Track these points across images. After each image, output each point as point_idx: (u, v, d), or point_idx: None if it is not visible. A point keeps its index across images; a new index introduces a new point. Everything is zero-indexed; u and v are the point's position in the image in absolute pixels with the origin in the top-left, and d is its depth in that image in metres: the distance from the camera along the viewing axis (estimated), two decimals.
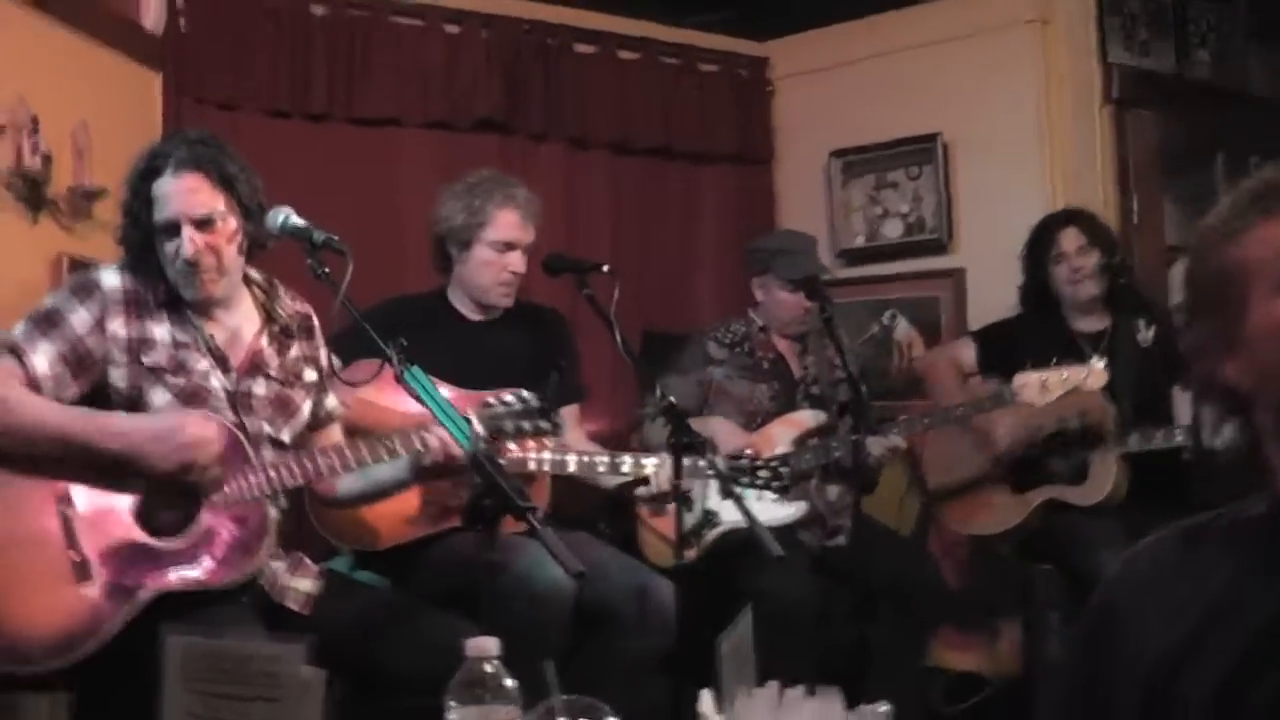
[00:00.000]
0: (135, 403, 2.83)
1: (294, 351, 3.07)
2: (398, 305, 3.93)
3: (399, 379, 2.62)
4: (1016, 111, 5.27)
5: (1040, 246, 4.45)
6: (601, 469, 3.74)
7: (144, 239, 2.87)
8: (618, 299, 3.24)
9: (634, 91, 5.60)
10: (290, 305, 3.11)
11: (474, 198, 3.90)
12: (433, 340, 3.72)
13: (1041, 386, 3.88)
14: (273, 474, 2.85)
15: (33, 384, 2.75)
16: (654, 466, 3.70)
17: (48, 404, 2.75)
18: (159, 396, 2.84)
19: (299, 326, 3.10)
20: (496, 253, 3.87)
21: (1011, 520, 4.35)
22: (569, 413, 3.95)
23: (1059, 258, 4.39)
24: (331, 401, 3.19)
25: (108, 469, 2.74)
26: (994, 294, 4.88)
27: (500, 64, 5.27)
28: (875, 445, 4.00)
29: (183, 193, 2.82)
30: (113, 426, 2.74)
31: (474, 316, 3.97)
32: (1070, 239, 4.39)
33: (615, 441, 4.38)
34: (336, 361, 3.13)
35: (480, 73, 5.22)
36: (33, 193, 3.76)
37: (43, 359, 2.77)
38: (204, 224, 2.84)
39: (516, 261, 3.88)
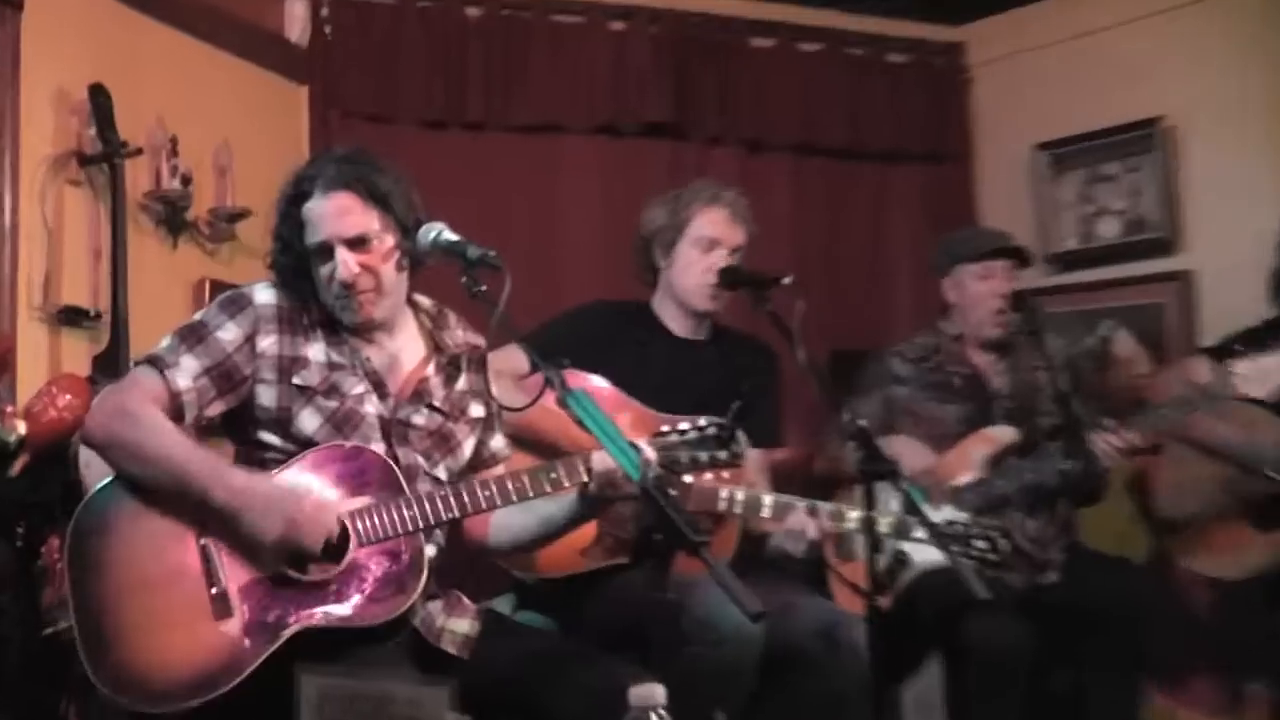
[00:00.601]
0: (284, 424, 2.85)
1: (461, 384, 3.07)
2: (596, 312, 3.97)
3: (561, 403, 2.60)
4: (1251, 89, 5.09)
5: None
6: (794, 514, 3.62)
7: (296, 264, 2.91)
8: (801, 314, 3.21)
9: (817, 87, 5.56)
10: (460, 336, 3.11)
11: (678, 199, 3.95)
12: (631, 351, 3.79)
13: None
14: (427, 506, 2.84)
15: (172, 399, 2.80)
16: (856, 520, 3.59)
17: (180, 438, 2.77)
18: (309, 419, 2.86)
19: (469, 359, 3.10)
20: (701, 251, 3.88)
21: (1258, 562, 4.15)
22: (757, 457, 3.90)
23: None
24: (498, 442, 3.17)
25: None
26: (1231, 300, 4.72)
27: (670, 62, 5.28)
28: (1103, 443, 3.90)
29: (333, 214, 2.86)
30: (231, 479, 2.75)
31: (679, 332, 3.98)
32: None
33: (803, 471, 4.33)
34: (506, 394, 3.13)
35: (648, 72, 5.24)
36: (172, 216, 3.88)
37: (185, 375, 2.81)
38: (358, 244, 2.86)
39: (724, 261, 3.87)
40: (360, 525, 2.77)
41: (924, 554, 3.39)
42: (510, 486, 2.89)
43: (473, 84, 4.98)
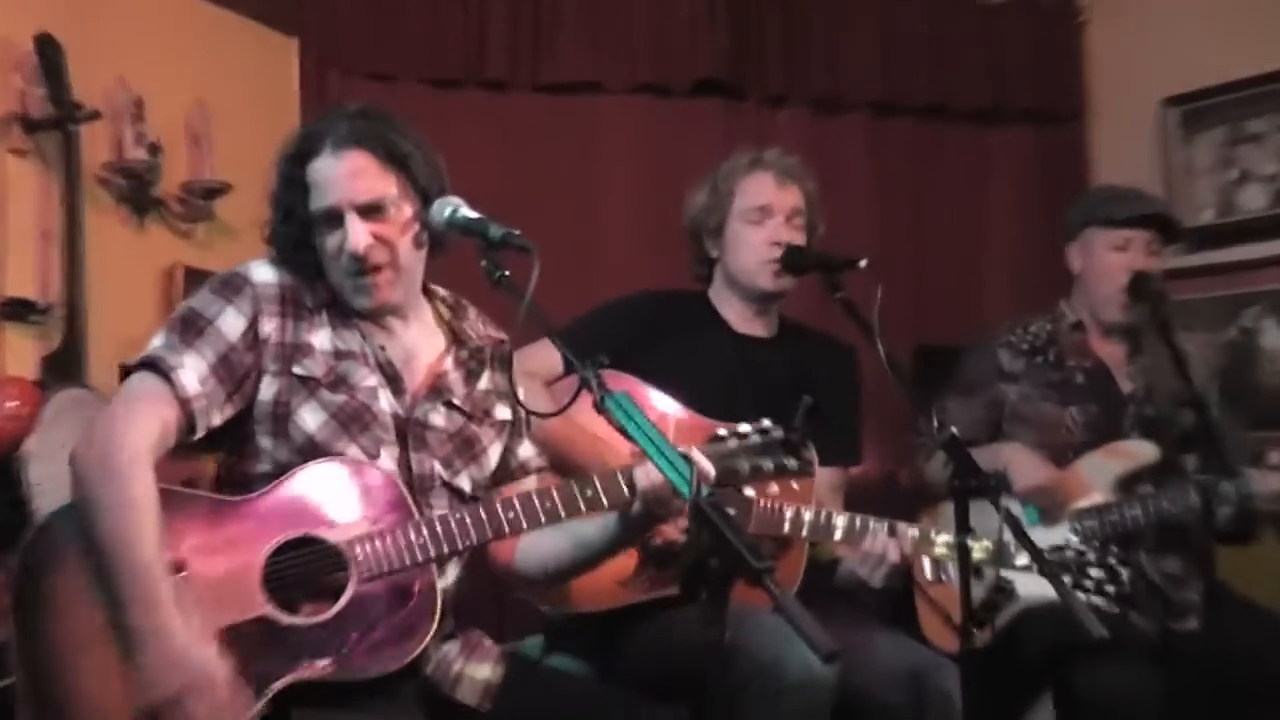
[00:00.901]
0: (280, 421, 2.85)
1: (484, 382, 3.10)
2: (642, 304, 3.99)
3: (599, 406, 2.58)
4: None
5: None
6: (871, 537, 3.63)
7: (299, 236, 2.92)
8: (881, 303, 3.18)
9: (900, 36, 5.56)
10: (482, 330, 3.15)
11: (716, 176, 4.00)
12: (684, 349, 3.82)
13: None
14: (440, 531, 2.82)
15: (183, 409, 2.78)
16: (946, 545, 3.61)
17: (155, 528, 2.67)
18: (310, 416, 2.86)
19: (492, 355, 3.13)
20: (753, 225, 3.91)
21: None
22: (830, 475, 3.91)
23: None
24: (527, 450, 3.19)
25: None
26: None
27: (726, 9, 5.28)
28: (1263, 483, 3.88)
29: (345, 175, 2.86)
30: (157, 613, 2.62)
31: (741, 327, 4.00)
32: None
33: (884, 487, 4.33)
34: (534, 398, 3.15)
35: (701, 21, 5.25)
36: (137, 192, 3.87)
37: (193, 377, 2.79)
38: (372, 211, 2.87)
39: (781, 231, 3.89)
40: (361, 555, 2.76)
41: (1032, 585, 3.32)
42: (539, 506, 2.89)
43: (494, 36, 5.00)
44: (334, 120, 2.92)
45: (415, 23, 4.91)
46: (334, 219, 2.86)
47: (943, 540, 3.54)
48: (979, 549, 3.42)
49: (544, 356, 3.59)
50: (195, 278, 3.84)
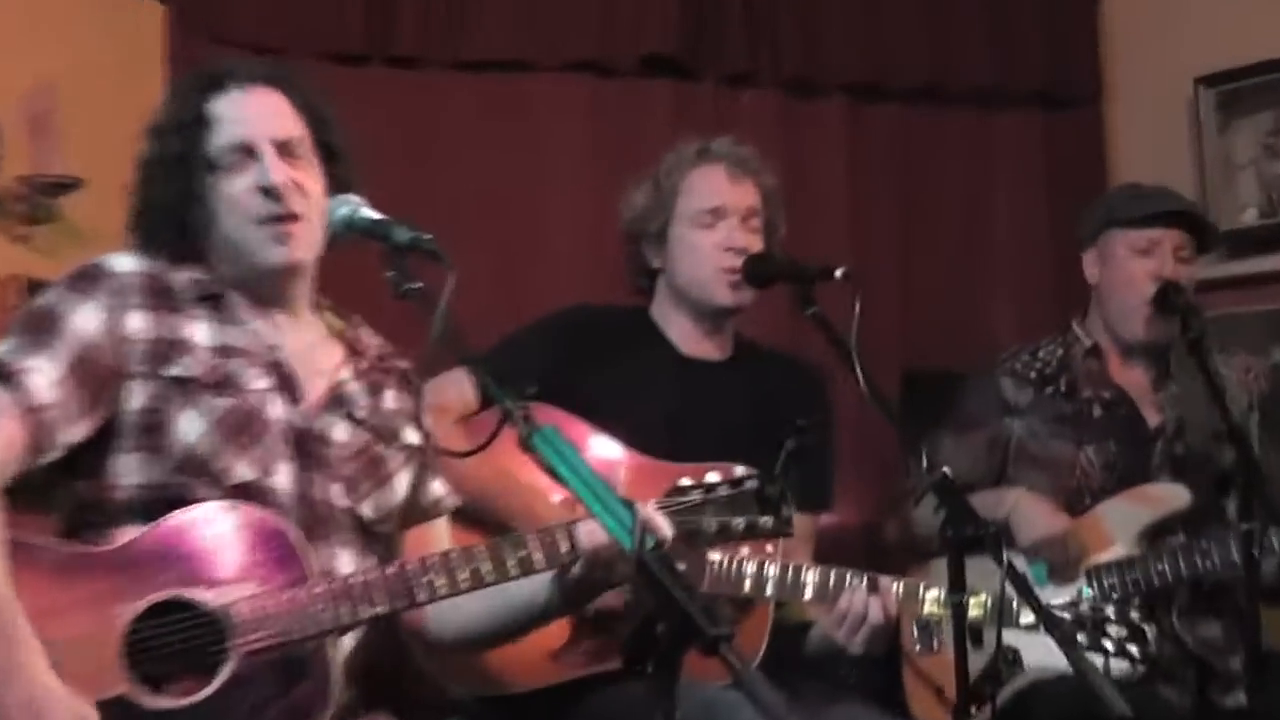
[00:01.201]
0: (153, 433, 2.84)
1: (389, 400, 3.13)
2: (575, 322, 4.00)
3: (524, 444, 2.56)
4: None
5: None
6: (848, 593, 3.63)
7: (181, 194, 2.92)
8: (860, 320, 3.24)
9: (886, 6, 5.58)
10: (375, 342, 3.19)
11: (659, 171, 4.00)
12: (623, 376, 3.84)
13: None
14: (341, 598, 2.80)
15: (32, 419, 2.74)
16: (936, 602, 3.64)
17: (5, 561, 2.64)
18: (189, 424, 2.84)
19: (394, 372, 3.18)
20: (703, 229, 3.91)
21: None
22: (798, 524, 3.88)
23: None
24: (439, 488, 3.23)
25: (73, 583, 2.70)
26: None
27: None
28: None
29: (259, 109, 2.95)
30: (16, 650, 2.58)
31: (689, 349, 4.01)
32: None
33: (865, 539, 4.39)
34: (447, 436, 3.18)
35: None
36: None
37: (44, 381, 2.76)
38: (289, 152, 2.94)
39: (735, 234, 3.90)
40: (245, 623, 2.73)
41: (1041, 652, 3.33)
42: (461, 570, 2.88)
43: (405, 3, 4.99)
44: (234, 62, 3.03)
45: None
46: (244, 153, 2.91)
47: (932, 596, 3.57)
48: (975, 605, 3.43)
49: (456, 388, 3.62)
50: (39, 290, 3.79)
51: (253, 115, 2.93)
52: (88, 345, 2.82)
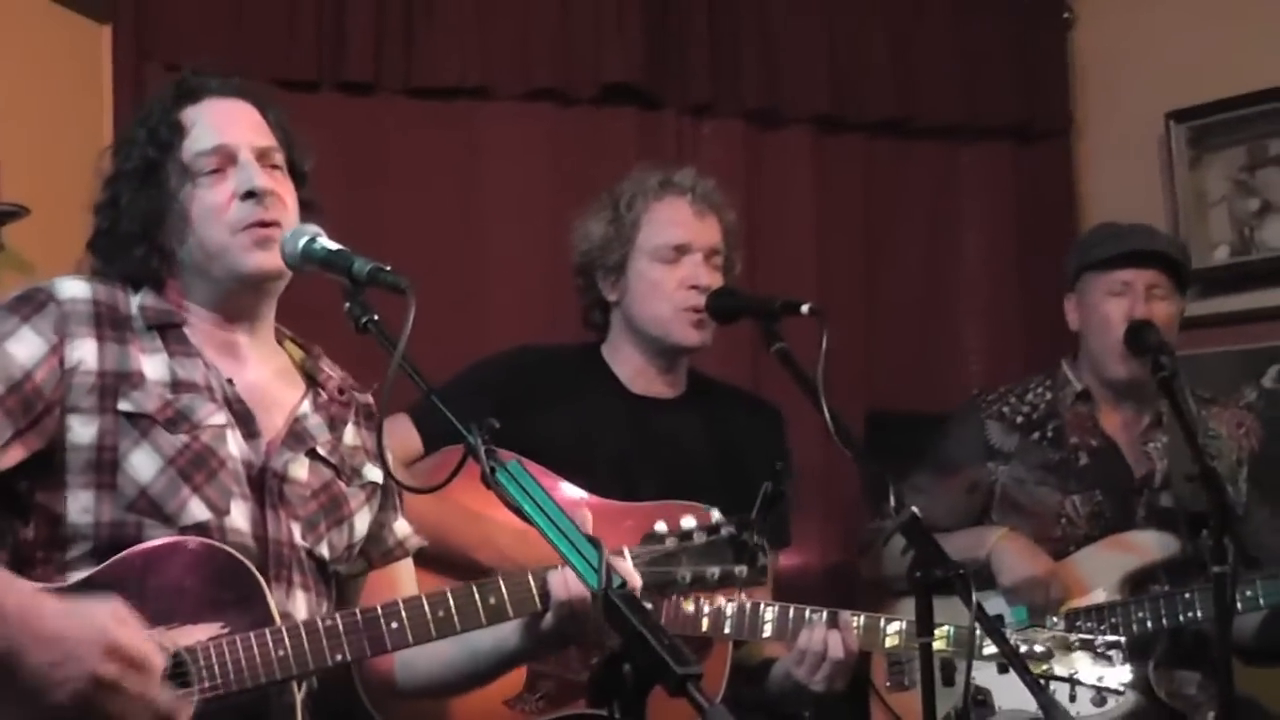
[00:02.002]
0: (105, 471, 2.78)
1: (350, 436, 3.11)
2: (519, 363, 4.01)
3: (486, 479, 2.53)
4: None
5: None
6: (808, 630, 3.62)
7: (154, 205, 2.90)
8: (827, 353, 3.25)
9: (852, 38, 5.56)
10: (337, 375, 3.17)
11: (619, 199, 3.99)
12: (573, 416, 3.84)
13: None
14: (306, 643, 2.75)
15: None
16: (898, 635, 3.64)
17: None
18: (144, 462, 2.79)
19: (356, 407, 3.16)
20: (666, 264, 3.90)
21: None
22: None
23: None
24: (403, 528, 3.21)
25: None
26: None
27: (641, 8, 5.26)
28: None
29: (239, 118, 2.98)
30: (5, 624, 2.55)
31: (640, 388, 4.00)
32: None
33: (828, 580, 4.38)
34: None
35: (608, 15, 5.22)
36: None
37: None
38: (267, 161, 2.95)
39: (700, 272, 3.89)
40: (203, 668, 2.68)
41: (1013, 693, 3.33)
42: (429, 616, 2.88)
43: (357, 28, 4.96)
44: (209, 75, 3.04)
45: (259, 9, 4.85)
46: (221, 163, 2.90)
47: (894, 629, 3.58)
48: (939, 636, 3.38)
49: (400, 434, 3.61)
50: None
51: (231, 122, 2.94)
52: (24, 373, 2.76)
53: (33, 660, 2.50)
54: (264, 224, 2.87)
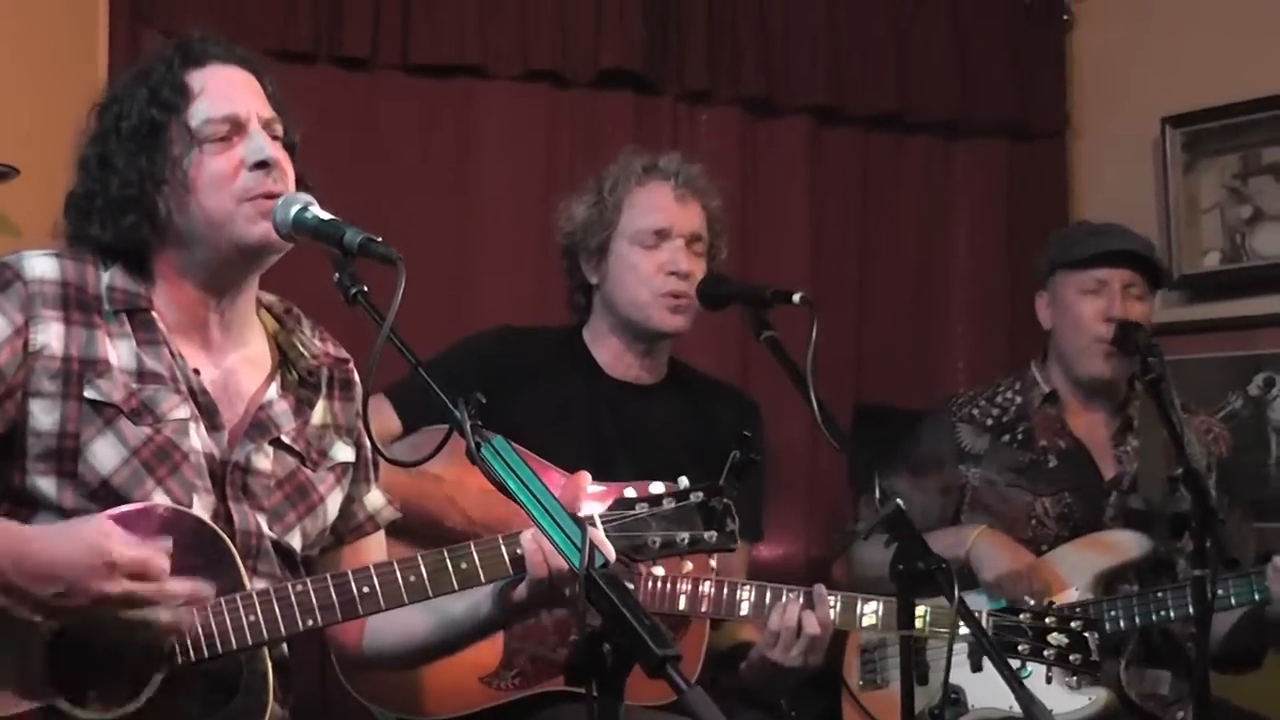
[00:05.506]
0: (67, 459, 2.78)
1: (319, 415, 3.08)
2: (499, 343, 4.01)
3: (471, 455, 2.53)
4: None
5: None
6: (781, 608, 3.64)
7: (152, 167, 2.86)
8: (816, 345, 3.23)
9: (850, 32, 5.58)
10: (318, 347, 3.12)
11: (603, 183, 3.99)
12: (550, 398, 3.86)
13: None
14: (276, 609, 2.77)
15: None
16: (875, 615, 3.65)
17: None
18: (105, 452, 2.79)
19: (330, 379, 3.13)
20: (644, 248, 3.91)
21: None
22: (738, 554, 3.90)
23: None
24: (375, 500, 3.20)
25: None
26: None
27: None
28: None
29: (245, 88, 2.94)
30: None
31: (618, 373, 4.01)
32: None
33: (809, 575, 4.29)
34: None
35: (609, 5, 5.24)
36: None
37: None
38: (270, 130, 2.93)
39: (679, 257, 3.90)
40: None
41: (987, 691, 3.38)
42: (400, 581, 2.86)
43: (355, 2, 4.95)
44: (211, 38, 3.00)
45: None
46: (229, 131, 2.87)
47: (870, 609, 3.59)
48: (917, 617, 3.42)
49: (379, 415, 3.57)
50: None
51: (240, 91, 2.91)
52: None
53: (34, 593, 2.56)
54: (270, 195, 2.82)
